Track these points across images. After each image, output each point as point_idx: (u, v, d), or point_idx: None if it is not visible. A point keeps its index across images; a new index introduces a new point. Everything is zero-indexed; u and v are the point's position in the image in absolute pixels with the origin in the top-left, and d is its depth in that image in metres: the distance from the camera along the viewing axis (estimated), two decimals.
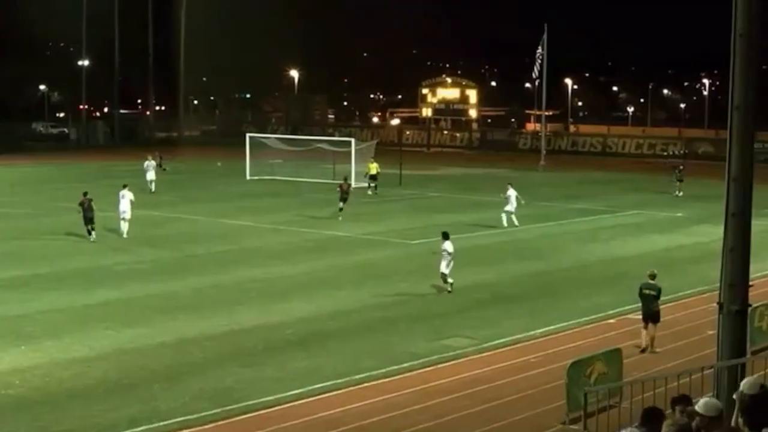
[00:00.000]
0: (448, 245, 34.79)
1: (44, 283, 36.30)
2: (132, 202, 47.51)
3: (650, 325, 28.00)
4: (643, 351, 27.70)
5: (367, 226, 51.16)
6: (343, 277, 38.17)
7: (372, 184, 67.06)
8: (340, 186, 56.45)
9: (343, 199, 54.87)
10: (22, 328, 29.80)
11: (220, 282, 36.97)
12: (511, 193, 51.70)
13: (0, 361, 26.57)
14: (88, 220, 45.48)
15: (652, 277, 28.62)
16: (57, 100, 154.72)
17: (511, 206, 51.21)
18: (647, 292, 28.29)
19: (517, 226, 50.43)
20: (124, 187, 48.14)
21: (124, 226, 46.70)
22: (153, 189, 65.72)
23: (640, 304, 30.70)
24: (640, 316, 29.01)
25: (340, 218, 53.34)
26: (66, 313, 31.42)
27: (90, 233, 45.34)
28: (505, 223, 50.73)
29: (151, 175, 67.12)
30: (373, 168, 68.02)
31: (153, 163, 68.74)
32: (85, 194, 46.14)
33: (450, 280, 34.60)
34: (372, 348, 28.09)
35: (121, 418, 22.07)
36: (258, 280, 37.52)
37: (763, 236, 39.50)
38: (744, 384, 12.16)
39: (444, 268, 34.59)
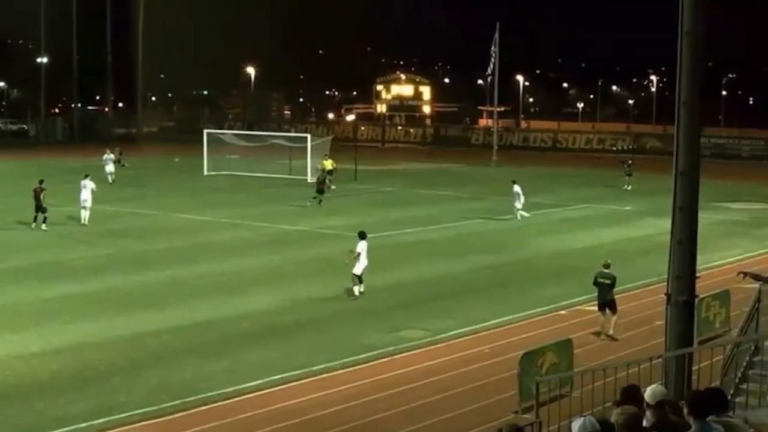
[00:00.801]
0: (362, 245, 33.04)
1: (3, 277, 36.00)
2: (93, 191, 48.73)
3: (608, 312, 28.43)
4: (600, 335, 28.16)
5: (323, 221, 51.08)
6: (299, 271, 38.14)
7: (328, 180, 66.82)
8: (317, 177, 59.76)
9: (320, 191, 57.32)
10: None
11: (178, 276, 36.83)
12: (517, 189, 52.04)
13: None
14: (38, 209, 46.10)
15: (607, 266, 28.94)
16: (16, 97, 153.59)
17: (519, 203, 51.84)
18: (602, 280, 28.62)
19: (518, 219, 51.65)
20: (86, 176, 49.11)
21: (85, 214, 48.00)
22: (111, 180, 66.19)
23: (589, 296, 31.09)
24: (595, 307, 29.37)
25: (308, 204, 55.73)
26: (25, 307, 31.18)
27: (35, 220, 46.27)
28: (519, 218, 51.71)
29: (110, 168, 67.65)
30: (328, 164, 67.76)
31: (111, 156, 69.12)
32: (41, 182, 47.26)
33: (361, 288, 33.00)
34: (327, 340, 28.09)
35: (81, 411, 21.94)
36: (216, 274, 37.41)
37: (710, 229, 39.94)
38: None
39: (359, 269, 32.80)
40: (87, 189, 48.31)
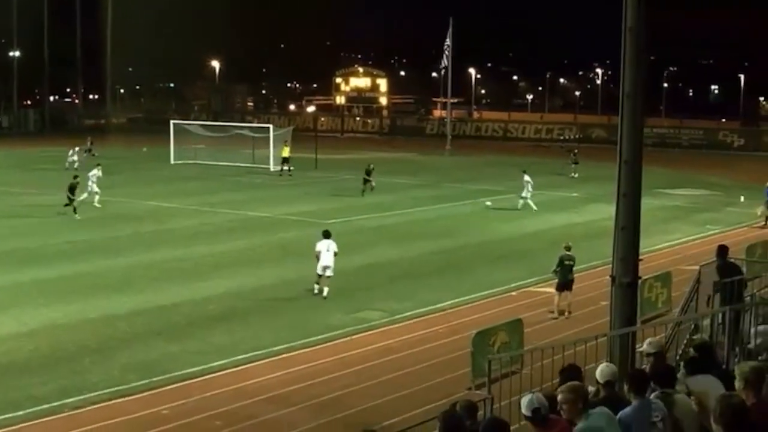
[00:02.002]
0: (321, 245, 30.98)
1: None
2: (99, 178, 50.21)
3: (565, 292, 28.75)
4: (561, 315, 28.44)
5: (285, 207, 50.99)
6: (263, 256, 38.06)
7: (285, 168, 67.32)
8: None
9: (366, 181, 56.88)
10: None
11: (146, 261, 36.66)
12: (528, 178, 51.10)
13: None
14: (71, 200, 46.17)
15: (568, 248, 29.46)
16: None
17: (527, 192, 50.81)
18: (568, 262, 29.00)
19: (518, 209, 50.52)
20: (98, 166, 51.00)
21: (96, 198, 49.51)
22: (75, 168, 65.57)
23: (538, 278, 31.37)
24: (545, 288, 29.76)
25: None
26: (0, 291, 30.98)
27: (75, 211, 46.04)
28: (534, 207, 50.39)
29: (74, 157, 68.14)
30: (285, 151, 68.43)
31: (76, 148, 69.74)
32: (75, 177, 47.64)
33: (323, 288, 30.81)
34: (290, 321, 28.08)
35: (53, 390, 21.85)
36: (183, 259, 37.28)
37: (652, 214, 40.21)
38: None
39: (319, 269, 30.68)
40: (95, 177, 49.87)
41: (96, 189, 49.76)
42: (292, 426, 20.02)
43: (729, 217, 48.88)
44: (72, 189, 46.13)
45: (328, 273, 30.57)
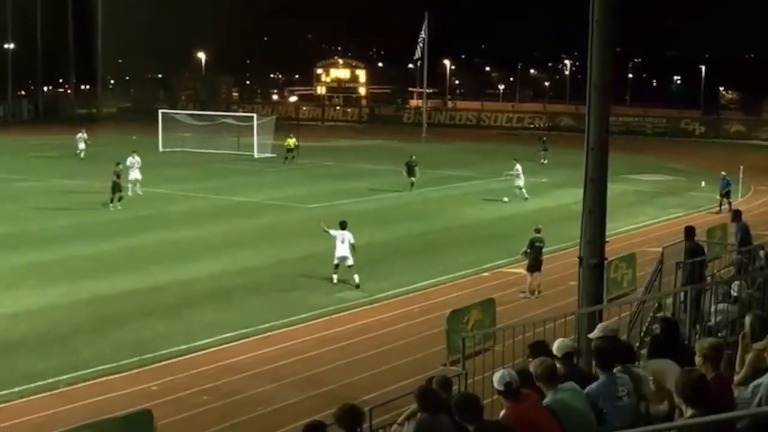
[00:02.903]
0: (339, 234, 30.23)
1: None
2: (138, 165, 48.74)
3: (536, 273, 28.90)
4: (532, 294, 28.55)
5: (269, 193, 50.95)
6: (248, 239, 38.00)
7: (291, 156, 67.07)
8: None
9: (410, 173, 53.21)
10: None
11: (137, 244, 36.56)
12: (519, 168, 49.29)
13: None
14: (115, 189, 45.03)
15: (538, 231, 29.58)
16: None
17: (520, 181, 49.06)
18: (538, 244, 29.10)
19: (505, 201, 48.40)
20: (133, 153, 49.30)
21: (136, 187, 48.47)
22: (82, 157, 66.02)
23: (510, 259, 31.50)
24: (516, 269, 29.94)
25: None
26: None
27: (112, 201, 44.76)
28: (526, 196, 48.81)
29: (82, 146, 67.05)
30: (292, 142, 68.03)
31: (86, 135, 68.42)
32: (117, 164, 46.03)
33: (337, 276, 30.11)
34: (274, 301, 28.07)
35: (47, 368, 21.81)
36: (171, 242, 37.21)
37: (618, 199, 40.31)
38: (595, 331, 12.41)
39: (341, 259, 30.00)
40: (135, 167, 48.70)
41: (138, 176, 48.99)
42: (277, 400, 20.04)
43: (690, 201, 49.07)
44: (118, 178, 45.13)
45: (348, 263, 29.87)
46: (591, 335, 12.01)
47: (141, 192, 48.40)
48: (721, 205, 45.61)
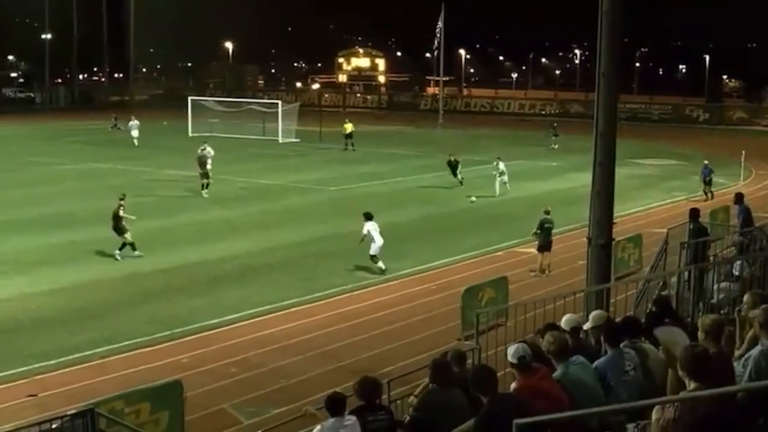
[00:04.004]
0: (370, 226, 29.23)
1: (12, 227, 35.70)
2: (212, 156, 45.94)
3: (546, 252, 28.93)
4: (542, 273, 28.55)
5: (292, 176, 50.95)
6: (273, 220, 38.04)
7: (349, 142, 65.71)
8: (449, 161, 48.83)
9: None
10: None
11: (167, 224, 36.68)
12: (502, 165, 45.39)
13: None
14: (204, 176, 43.85)
15: (548, 212, 29.63)
16: (24, 69, 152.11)
17: (505, 176, 44.98)
18: (548, 225, 29.13)
19: (503, 194, 44.40)
20: (205, 143, 47.12)
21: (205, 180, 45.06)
22: (136, 144, 64.74)
23: (521, 239, 31.48)
24: (528, 249, 30.35)
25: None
26: (33, 253, 30.96)
27: (203, 187, 43.65)
28: (498, 191, 44.35)
29: (135, 133, 65.62)
30: (348, 127, 66.51)
31: (137, 122, 66.74)
32: (203, 149, 45.03)
33: (381, 265, 29.05)
34: (298, 279, 28.11)
35: (83, 341, 21.94)
36: (200, 222, 37.30)
37: (625, 182, 40.15)
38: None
39: (375, 249, 29.03)
40: (209, 153, 45.82)
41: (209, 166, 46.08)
42: (300, 373, 20.10)
43: (694, 185, 48.77)
44: (203, 164, 44.08)
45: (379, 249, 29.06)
46: (585, 326, 11.98)
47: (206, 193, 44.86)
48: (706, 193, 44.46)
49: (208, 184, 43.55)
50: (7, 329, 23.18)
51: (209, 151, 45.42)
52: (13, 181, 48.24)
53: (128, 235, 30.34)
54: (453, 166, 47.93)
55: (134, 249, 30.38)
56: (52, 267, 29.32)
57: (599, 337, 11.41)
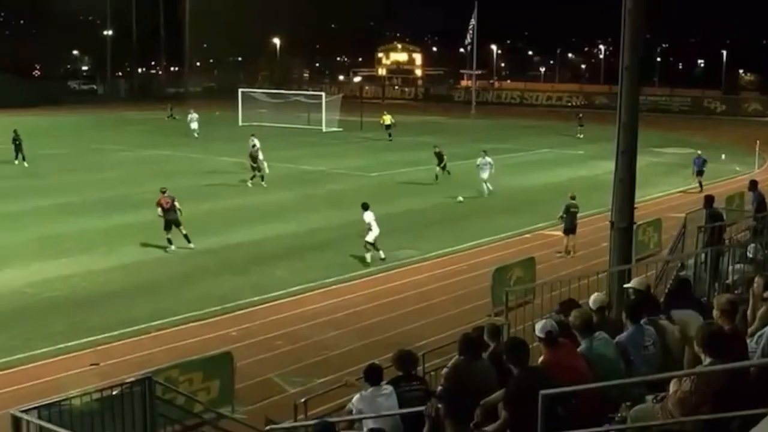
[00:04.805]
0: (369, 216, 27.96)
1: (74, 209, 35.99)
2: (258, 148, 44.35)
3: (571, 235, 28.87)
4: (567, 254, 28.47)
5: (334, 162, 51.00)
6: (316, 204, 38.10)
7: (388, 132, 65.23)
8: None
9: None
10: (61, 245, 29.65)
11: (215, 208, 36.83)
12: (489, 160, 40.97)
13: (45, 270, 26.50)
14: (254, 168, 42.36)
15: (573, 198, 29.56)
16: (87, 63, 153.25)
17: (486, 173, 40.78)
18: (573, 209, 29.09)
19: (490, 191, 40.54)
20: (252, 135, 46.38)
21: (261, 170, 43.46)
22: (197, 136, 63.78)
23: (548, 222, 31.41)
24: (555, 231, 30.15)
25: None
26: (95, 233, 31.20)
27: (252, 178, 42.18)
28: (490, 188, 40.50)
29: (194, 126, 64.41)
30: (387, 119, 66.11)
31: (196, 115, 65.55)
32: (252, 136, 43.90)
33: (381, 255, 27.93)
34: (339, 259, 28.15)
35: (141, 315, 22.10)
36: (246, 206, 37.40)
37: (645, 170, 39.69)
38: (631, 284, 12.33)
39: (371, 237, 27.82)
40: (257, 146, 44.15)
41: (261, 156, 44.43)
42: (340, 346, 20.16)
43: (710, 172, 48.33)
44: (255, 158, 42.88)
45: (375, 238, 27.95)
46: (627, 285, 12.03)
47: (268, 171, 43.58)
48: (701, 184, 42.21)
49: (262, 176, 42.34)
50: (71, 303, 23.43)
51: (255, 142, 44.80)
52: (79, 166, 48.73)
53: (182, 227, 29.14)
54: (439, 157, 44.67)
55: (171, 243, 29.03)
56: (112, 246, 29.57)
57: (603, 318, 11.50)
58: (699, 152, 44.79)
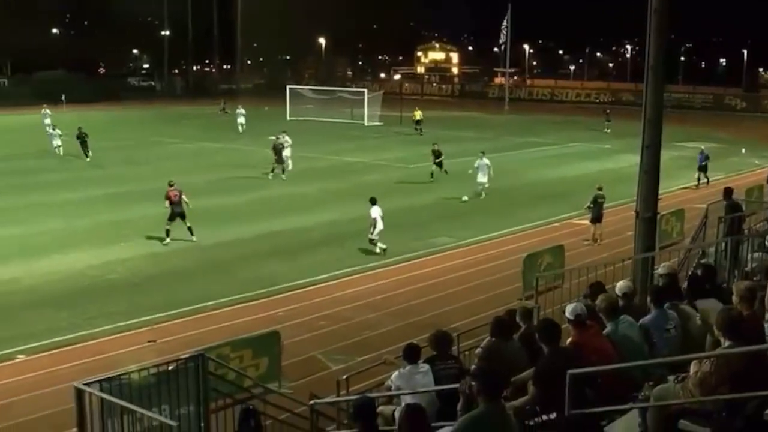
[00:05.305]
0: (375, 211, 27.12)
1: (133, 197, 36.25)
2: (290, 145, 43.84)
3: (598, 224, 28.81)
4: (594, 242, 28.34)
5: (376, 155, 51.00)
6: (357, 193, 37.96)
7: (418, 127, 64.79)
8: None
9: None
10: (120, 231, 29.91)
11: (263, 197, 36.99)
12: (486, 161, 37.83)
13: (105, 254, 26.76)
14: (279, 161, 41.42)
15: (600, 189, 29.46)
16: (146, 61, 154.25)
17: (485, 176, 37.25)
18: (600, 200, 29.03)
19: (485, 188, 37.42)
20: (283, 132, 44.68)
21: (288, 164, 42.86)
22: (241, 131, 63.25)
23: (576, 212, 31.28)
24: (582, 221, 30.09)
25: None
26: (152, 220, 31.31)
27: (273, 170, 41.22)
28: (482, 194, 37.10)
29: (241, 120, 63.91)
30: (418, 114, 65.83)
31: (243, 111, 65.07)
32: (277, 137, 42.59)
33: (381, 245, 27.06)
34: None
35: (195, 296, 22.30)
36: (292, 195, 37.50)
37: (669, 163, 39.22)
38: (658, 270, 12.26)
39: (373, 234, 26.99)
40: (287, 143, 43.36)
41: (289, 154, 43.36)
42: (379, 326, 20.22)
43: (731, 165, 47.92)
44: (279, 151, 41.98)
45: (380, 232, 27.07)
46: (657, 271, 12.03)
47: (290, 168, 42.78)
48: (699, 180, 41.05)
49: (283, 170, 41.83)
50: (130, 285, 23.72)
51: (287, 139, 43.78)
52: (140, 158, 49.05)
53: (187, 220, 28.28)
54: (437, 155, 42.07)
55: (168, 235, 28.09)
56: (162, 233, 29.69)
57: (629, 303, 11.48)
58: (703, 148, 43.69)
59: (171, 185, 28.51)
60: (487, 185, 36.98)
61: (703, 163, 41.49)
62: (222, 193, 37.47)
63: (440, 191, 38.21)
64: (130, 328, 20.07)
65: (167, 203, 28.24)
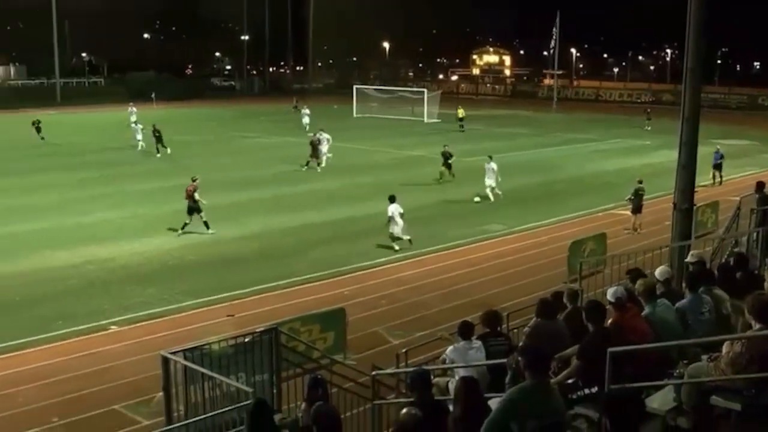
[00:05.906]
0: (393, 208, 25.89)
1: (211, 186, 36.04)
2: (329, 141, 43.97)
3: (638, 214, 28.54)
4: (634, 231, 28.00)
5: (434, 149, 50.48)
6: (415, 184, 38.00)
7: (461, 124, 64.26)
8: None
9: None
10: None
11: (329, 187, 37.04)
12: (494, 166, 34.74)
13: (185, 237, 27.09)
14: (313, 155, 41.14)
15: (640, 182, 29.28)
16: (227, 63, 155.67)
17: (492, 180, 34.28)
18: (640, 192, 28.80)
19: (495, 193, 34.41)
20: (321, 131, 44.49)
21: (325, 157, 42.86)
22: (308, 129, 63.57)
23: (618, 203, 30.99)
24: (624, 211, 29.70)
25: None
26: (225, 208, 31.35)
27: (308, 164, 41.30)
28: (491, 197, 34.01)
29: (306, 120, 62.13)
30: (461, 112, 65.29)
31: (308, 111, 64.00)
32: (314, 134, 42.29)
33: (406, 237, 25.88)
34: (432, 232, 28.15)
35: (268, 276, 22.61)
36: (357, 185, 37.54)
37: (705, 158, 38.57)
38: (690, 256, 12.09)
39: (398, 231, 25.76)
40: (324, 141, 42.99)
41: (326, 150, 43.28)
42: (433, 306, 20.24)
43: (764, 161, 46.93)
44: (315, 147, 41.96)
45: (407, 237, 26.00)
46: (687, 259, 11.88)
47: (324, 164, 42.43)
48: (714, 177, 38.93)
49: (318, 164, 41.68)
50: (208, 265, 24.04)
51: (326, 136, 43.71)
52: (222, 151, 49.50)
53: (203, 214, 27.33)
54: (446, 157, 39.27)
55: (208, 227, 27.39)
56: (240, 219, 30.05)
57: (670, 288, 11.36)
58: (718, 147, 41.55)
59: (194, 180, 27.78)
60: (495, 187, 34.18)
61: (719, 162, 39.61)
62: (289, 184, 37.67)
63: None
64: (210, 304, 20.35)
65: (186, 196, 27.50)
